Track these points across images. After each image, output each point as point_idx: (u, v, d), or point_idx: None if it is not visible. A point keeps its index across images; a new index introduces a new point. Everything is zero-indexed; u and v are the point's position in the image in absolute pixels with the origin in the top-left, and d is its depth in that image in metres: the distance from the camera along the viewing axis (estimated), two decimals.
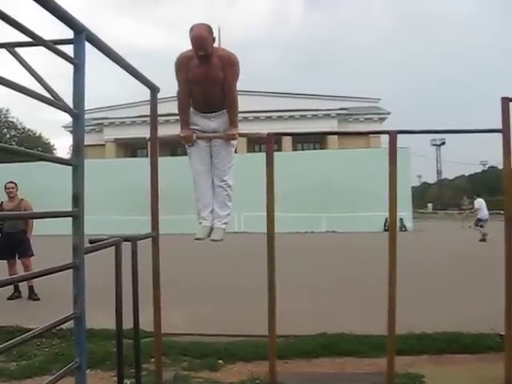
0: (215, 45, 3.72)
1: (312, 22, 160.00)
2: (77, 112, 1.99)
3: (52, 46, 1.92)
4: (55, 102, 1.89)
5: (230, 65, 3.73)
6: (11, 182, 7.94)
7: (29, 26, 1.76)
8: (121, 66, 2.65)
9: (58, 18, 1.86)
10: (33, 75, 1.92)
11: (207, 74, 3.68)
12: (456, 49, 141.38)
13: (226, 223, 3.98)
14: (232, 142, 3.96)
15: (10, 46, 2.07)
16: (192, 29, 3.58)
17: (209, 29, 3.63)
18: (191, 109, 3.94)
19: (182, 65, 3.78)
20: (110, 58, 2.46)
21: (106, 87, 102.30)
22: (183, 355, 4.76)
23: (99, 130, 39.13)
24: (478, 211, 18.70)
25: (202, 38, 3.55)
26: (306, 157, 27.10)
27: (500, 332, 4.29)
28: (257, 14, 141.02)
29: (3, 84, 1.55)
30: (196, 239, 3.93)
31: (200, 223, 3.97)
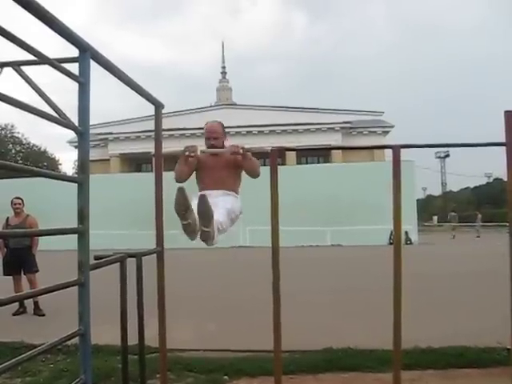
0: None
1: (315, 35, 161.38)
2: (82, 130, 2.01)
3: (58, 64, 1.94)
4: (61, 120, 1.91)
5: (245, 157, 3.84)
6: (18, 198, 7.98)
7: (32, 43, 1.79)
8: (125, 84, 2.67)
9: (64, 37, 1.88)
10: (39, 94, 1.94)
11: (218, 160, 3.89)
12: (463, 60, 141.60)
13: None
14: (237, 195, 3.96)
15: (16, 65, 2.09)
16: (206, 123, 4.09)
17: (221, 125, 4.09)
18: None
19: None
20: (114, 75, 2.49)
21: (110, 101, 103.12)
22: (188, 371, 4.74)
23: (104, 145, 39.30)
24: None
25: (213, 127, 4.02)
26: (311, 170, 27.05)
27: (507, 346, 4.25)
28: (260, 27, 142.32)
29: (11, 104, 1.57)
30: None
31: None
